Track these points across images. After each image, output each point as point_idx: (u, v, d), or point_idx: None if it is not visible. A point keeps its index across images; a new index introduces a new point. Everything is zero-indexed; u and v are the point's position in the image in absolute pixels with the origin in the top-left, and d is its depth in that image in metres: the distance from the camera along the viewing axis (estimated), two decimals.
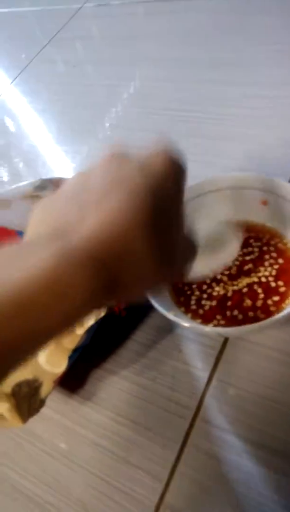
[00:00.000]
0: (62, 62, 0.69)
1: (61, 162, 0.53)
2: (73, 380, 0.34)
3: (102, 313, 0.32)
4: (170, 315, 0.29)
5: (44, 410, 0.31)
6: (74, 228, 0.18)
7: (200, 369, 0.33)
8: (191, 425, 0.30)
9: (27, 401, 0.31)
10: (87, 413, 0.33)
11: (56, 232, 0.18)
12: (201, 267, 0.32)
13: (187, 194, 0.35)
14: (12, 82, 0.69)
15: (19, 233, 0.31)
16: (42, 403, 0.31)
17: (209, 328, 0.31)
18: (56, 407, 0.33)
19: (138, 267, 0.19)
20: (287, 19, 0.56)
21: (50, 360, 0.33)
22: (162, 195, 0.19)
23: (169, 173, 0.20)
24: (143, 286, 0.21)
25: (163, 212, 0.19)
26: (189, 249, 0.23)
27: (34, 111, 0.62)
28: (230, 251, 0.34)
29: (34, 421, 0.30)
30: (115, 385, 0.34)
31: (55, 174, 0.52)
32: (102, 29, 0.73)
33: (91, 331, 0.32)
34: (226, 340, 0.33)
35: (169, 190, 0.20)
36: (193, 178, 0.36)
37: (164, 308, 0.30)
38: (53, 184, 0.35)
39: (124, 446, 0.31)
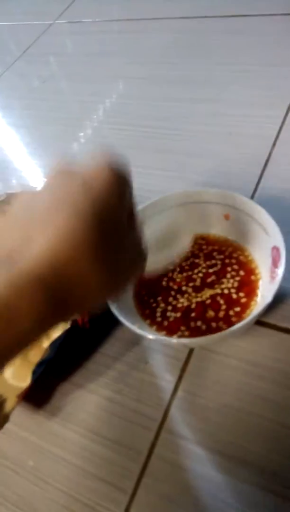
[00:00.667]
0: (34, 76, 0.69)
1: (32, 176, 0.53)
2: (40, 395, 0.34)
3: (67, 325, 0.32)
4: (135, 328, 0.29)
5: (9, 426, 0.31)
6: (20, 252, 0.18)
7: (166, 380, 0.33)
8: (157, 437, 0.31)
9: None
10: (54, 428, 0.33)
11: (1, 258, 0.18)
12: (155, 262, 0.33)
13: (153, 208, 0.36)
14: None
15: None
16: (6, 418, 0.31)
17: (174, 340, 0.31)
18: (22, 423, 0.33)
19: (85, 287, 0.19)
20: (252, 40, 0.58)
21: (16, 375, 0.33)
22: (107, 210, 0.19)
23: (113, 187, 0.20)
24: (93, 302, 0.21)
25: (108, 228, 0.19)
26: (138, 258, 0.24)
27: (5, 125, 0.62)
28: (182, 246, 0.35)
29: None
30: (82, 399, 0.34)
31: (26, 187, 0.52)
32: (73, 46, 0.74)
33: (55, 344, 0.32)
34: (191, 351, 0.34)
35: (114, 204, 0.20)
36: (160, 192, 0.37)
37: (129, 321, 0.30)
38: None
39: (90, 460, 0.31)
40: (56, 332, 0.32)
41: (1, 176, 0.55)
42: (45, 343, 0.32)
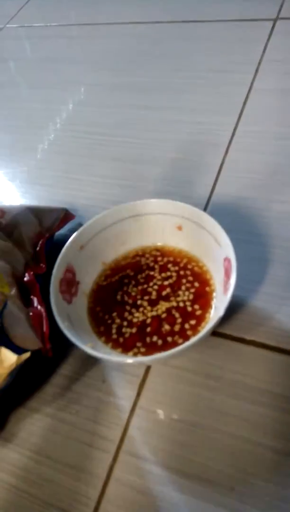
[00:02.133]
0: None
1: None
2: None
3: (26, 355, 0.30)
4: (88, 349, 0.28)
5: None
6: None
7: (123, 398, 0.32)
8: (115, 459, 0.30)
9: None
10: (8, 456, 0.31)
11: None
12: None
13: (107, 219, 0.35)
14: None
15: None
16: None
17: (129, 360, 0.31)
18: None
19: None
20: (204, 46, 0.58)
21: None
22: None
23: None
24: None
25: None
26: None
27: None
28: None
29: None
30: (37, 423, 0.32)
31: None
32: (25, 51, 0.72)
33: (14, 373, 0.31)
34: (148, 367, 0.33)
35: None
36: (115, 202, 0.36)
37: (82, 341, 0.29)
38: None
39: (45, 487, 0.29)
40: (16, 362, 0.30)
41: None
42: (4, 369, 0.30)
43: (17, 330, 0.29)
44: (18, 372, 0.31)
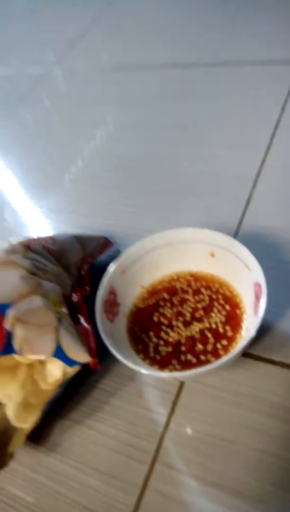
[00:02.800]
0: (31, 122, 0.74)
1: (29, 216, 0.56)
2: (39, 432, 0.35)
3: (77, 367, 0.33)
4: (129, 363, 0.31)
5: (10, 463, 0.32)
6: None
7: (158, 413, 0.34)
8: (151, 469, 0.32)
9: None
10: (52, 464, 0.34)
11: None
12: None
13: (146, 246, 0.39)
14: None
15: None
16: (11, 456, 0.32)
17: (165, 374, 0.33)
18: (22, 459, 0.34)
19: None
20: (232, 86, 0.63)
21: (18, 417, 0.34)
22: None
23: None
24: None
25: None
26: None
27: (3, 168, 0.66)
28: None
29: None
30: (79, 434, 0.35)
31: (24, 229, 0.55)
32: (68, 92, 0.79)
33: (64, 385, 0.34)
34: (182, 384, 0.35)
35: None
36: (149, 231, 0.40)
37: (123, 356, 0.32)
38: (23, 246, 0.37)
39: (87, 494, 0.32)
40: (65, 374, 0.33)
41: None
42: (45, 385, 0.34)
43: (70, 344, 0.32)
44: (66, 386, 0.34)
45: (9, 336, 0.32)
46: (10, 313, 0.33)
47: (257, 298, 0.33)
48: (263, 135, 0.53)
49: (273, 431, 0.31)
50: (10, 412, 0.34)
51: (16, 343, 0.32)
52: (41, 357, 0.32)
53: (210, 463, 0.31)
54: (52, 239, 0.40)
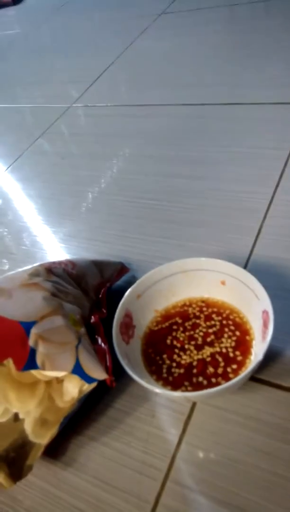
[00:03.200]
0: (52, 153, 0.78)
1: (49, 242, 0.60)
2: (57, 447, 0.37)
3: (94, 384, 0.35)
4: (143, 382, 0.33)
5: (27, 476, 0.34)
6: None
7: (170, 433, 0.36)
8: (162, 487, 0.33)
9: (11, 466, 0.34)
10: (68, 478, 0.36)
11: None
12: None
13: (161, 273, 0.42)
14: (6, 170, 0.78)
15: (22, 324, 0.35)
16: (29, 468, 0.34)
17: (177, 393, 0.35)
18: (38, 473, 0.36)
19: None
20: (243, 126, 0.67)
21: (34, 432, 0.36)
22: None
23: None
24: None
25: None
26: None
27: (26, 196, 0.70)
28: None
29: (15, 486, 0.33)
30: (95, 450, 0.37)
31: (46, 254, 0.58)
32: (88, 127, 0.84)
33: (82, 400, 0.36)
34: (193, 406, 0.37)
35: None
36: (164, 258, 0.43)
37: (138, 376, 0.34)
38: (45, 269, 0.40)
39: (101, 509, 0.33)
40: (81, 392, 0.35)
41: (20, 242, 0.61)
42: (61, 403, 0.36)
43: (89, 362, 0.34)
44: (84, 401, 0.36)
45: (32, 352, 0.35)
46: (34, 331, 0.35)
47: (265, 325, 0.35)
48: (273, 172, 0.56)
49: (282, 454, 0.33)
50: (28, 427, 0.36)
51: (39, 359, 0.35)
52: (62, 373, 0.34)
53: (220, 482, 0.33)
54: (73, 263, 0.43)
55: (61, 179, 0.71)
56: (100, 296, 0.43)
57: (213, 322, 0.40)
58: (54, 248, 0.58)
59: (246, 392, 0.37)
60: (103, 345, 0.37)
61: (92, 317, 0.40)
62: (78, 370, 0.34)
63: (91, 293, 0.43)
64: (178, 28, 1.06)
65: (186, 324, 0.41)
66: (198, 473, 0.34)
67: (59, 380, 0.37)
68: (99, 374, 0.34)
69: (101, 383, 0.35)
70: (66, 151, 0.78)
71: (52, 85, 1.03)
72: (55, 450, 0.37)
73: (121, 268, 0.49)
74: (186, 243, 0.52)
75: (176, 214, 0.56)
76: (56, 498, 0.35)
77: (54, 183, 0.71)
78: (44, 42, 1.32)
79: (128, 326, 0.39)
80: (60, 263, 0.43)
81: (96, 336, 0.38)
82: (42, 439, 0.36)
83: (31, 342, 0.34)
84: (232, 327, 0.39)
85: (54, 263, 0.42)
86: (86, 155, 0.75)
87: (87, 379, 0.34)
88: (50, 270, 0.40)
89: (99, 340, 0.38)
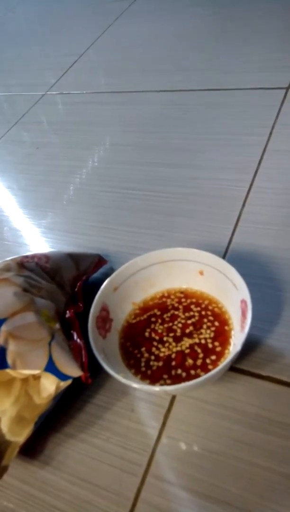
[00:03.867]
0: (28, 143, 0.76)
1: (25, 235, 0.58)
2: (33, 445, 0.36)
3: (69, 381, 0.34)
4: (121, 378, 0.32)
5: (4, 476, 0.33)
6: None
7: (150, 427, 0.35)
8: (142, 482, 0.33)
9: None
10: (46, 478, 0.35)
11: None
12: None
13: (138, 264, 0.40)
14: None
15: None
16: (5, 469, 0.33)
17: (156, 388, 0.34)
18: (14, 472, 0.35)
19: None
20: (223, 112, 0.66)
21: (11, 431, 0.35)
22: None
23: None
24: None
25: None
26: None
27: (1, 187, 0.68)
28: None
29: None
30: (73, 448, 0.36)
31: (20, 248, 0.56)
32: (64, 115, 0.81)
33: (57, 398, 0.35)
34: (173, 398, 0.37)
35: None
36: (142, 249, 0.42)
37: (115, 371, 0.33)
38: (17, 263, 0.39)
39: (79, 506, 0.33)
40: (58, 388, 0.34)
41: None
42: (39, 399, 0.35)
43: (62, 359, 0.33)
44: (59, 399, 0.35)
45: (2, 351, 0.33)
46: (3, 329, 0.34)
47: (244, 315, 0.34)
48: (252, 159, 0.56)
49: (263, 444, 0.33)
50: (4, 426, 0.35)
51: (9, 358, 0.33)
52: (34, 371, 0.33)
53: (201, 475, 0.32)
54: (46, 256, 0.42)
55: (37, 169, 0.69)
56: (76, 289, 0.42)
57: (192, 313, 0.39)
58: (30, 241, 0.57)
59: (225, 383, 0.36)
60: (78, 340, 0.36)
61: (67, 311, 0.39)
62: (51, 367, 0.32)
63: (67, 287, 0.42)
64: (156, 12, 1.04)
65: (165, 316, 0.40)
66: (179, 467, 0.33)
67: (36, 377, 0.36)
68: (74, 371, 0.33)
69: (78, 379, 0.34)
70: (42, 141, 0.75)
71: (25, 72, 1.00)
72: (32, 449, 0.36)
73: (99, 260, 0.47)
74: (166, 233, 0.51)
75: (156, 203, 0.55)
76: (34, 498, 0.34)
77: (30, 174, 0.69)
78: (17, 27, 1.27)
79: (104, 320, 0.38)
80: (33, 256, 0.41)
81: (72, 332, 0.37)
82: (19, 437, 0.34)
83: (1, 340, 0.33)
84: (211, 318, 0.38)
85: (26, 257, 0.41)
86: (63, 144, 0.73)
87: (61, 376, 0.32)
88: (22, 264, 0.39)
89: (75, 336, 0.37)
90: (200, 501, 0.31)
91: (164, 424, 0.35)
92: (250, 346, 0.38)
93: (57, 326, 0.36)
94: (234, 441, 0.33)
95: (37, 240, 0.56)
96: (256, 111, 0.63)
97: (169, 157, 0.61)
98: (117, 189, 0.59)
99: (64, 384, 0.33)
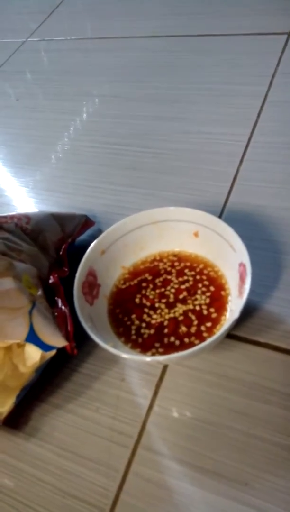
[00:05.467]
0: (6, 94, 0.70)
1: (10, 193, 0.54)
2: (18, 417, 0.34)
3: (53, 352, 0.32)
4: (109, 348, 0.30)
5: None
6: None
7: (141, 396, 0.34)
8: (133, 453, 0.31)
9: None
10: (32, 449, 0.33)
11: None
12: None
13: (127, 225, 0.37)
14: None
15: None
16: None
17: (147, 358, 0.32)
18: (0, 445, 0.33)
19: None
20: (216, 59, 0.60)
21: None
22: None
23: None
24: None
25: None
26: None
27: None
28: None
29: None
30: (60, 418, 0.34)
31: (5, 208, 0.52)
32: (46, 63, 0.75)
33: (40, 369, 0.32)
34: (165, 367, 0.35)
35: None
36: (133, 209, 0.38)
37: (103, 340, 0.31)
38: None
39: (68, 480, 0.31)
40: (43, 358, 0.32)
41: None
42: (23, 368, 0.32)
43: (44, 328, 0.30)
44: (43, 369, 0.33)
45: None
46: None
47: (242, 279, 0.32)
48: (250, 111, 0.51)
49: (259, 414, 0.31)
50: None
51: None
52: (14, 341, 0.31)
53: (193, 446, 0.31)
54: (27, 217, 0.38)
55: (17, 122, 0.64)
56: (61, 253, 0.39)
57: (185, 278, 0.37)
58: (9, 201, 0.53)
59: (221, 350, 0.34)
60: (63, 308, 0.33)
61: (51, 277, 0.35)
62: (32, 337, 0.30)
63: (51, 250, 0.39)
64: None
65: (157, 280, 0.37)
66: (171, 438, 0.31)
67: (20, 345, 0.33)
68: (58, 340, 0.31)
69: (63, 349, 0.32)
70: (22, 92, 0.69)
71: (2, 17, 0.91)
72: (17, 420, 0.34)
73: (85, 221, 0.44)
74: (157, 192, 0.47)
75: (145, 160, 0.51)
76: (19, 471, 0.32)
77: (11, 128, 0.63)
78: None
79: (92, 285, 0.35)
80: (12, 217, 0.37)
81: (56, 298, 0.34)
82: (2, 406, 0.32)
83: None
84: (206, 282, 0.36)
85: (5, 217, 0.37)
86: (45, 96, 0.67)
87: (44, 347, 0.30)
88: (0, 225, 0.35)
89: (59, 303, 0.34)
90: (193, 473, 0.30)
91: (155, 393, 0.34)
92: (247, 311, 0.35)
93: (39, 292, 0.33)
94: (229, 411, 0.32)
95: (17, 200, 0.52)
96: (255, 58, 0.58)
97: (159, 109, 0.57)
98: (104, 144, 0.55)
99: (48, 354, 0.30)
